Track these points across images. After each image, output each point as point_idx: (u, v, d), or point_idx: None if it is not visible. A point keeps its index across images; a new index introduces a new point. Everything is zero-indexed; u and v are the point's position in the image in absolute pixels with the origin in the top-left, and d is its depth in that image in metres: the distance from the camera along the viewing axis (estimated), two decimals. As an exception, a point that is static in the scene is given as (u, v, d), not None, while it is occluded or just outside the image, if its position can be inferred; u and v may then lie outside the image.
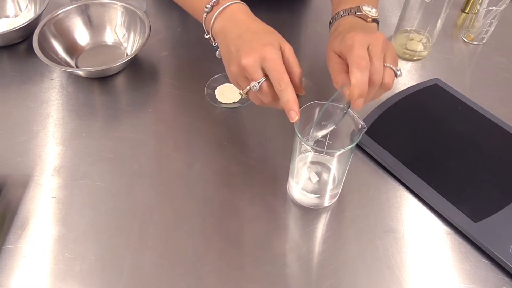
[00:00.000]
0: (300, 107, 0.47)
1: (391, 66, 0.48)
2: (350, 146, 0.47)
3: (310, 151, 0.55)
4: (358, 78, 0.45)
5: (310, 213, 0.56)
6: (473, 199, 0.55)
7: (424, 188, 0.56)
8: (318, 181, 0.56)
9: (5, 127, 0.64)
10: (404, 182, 0.58)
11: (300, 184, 0.56)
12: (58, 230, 0.53)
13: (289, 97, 0.46)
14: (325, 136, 0.52)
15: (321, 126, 0.50)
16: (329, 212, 0.56)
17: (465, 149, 0.61)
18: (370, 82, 0.46)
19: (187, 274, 0.50)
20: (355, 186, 0.58)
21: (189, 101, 0.68)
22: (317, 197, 0.55)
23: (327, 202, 0.56)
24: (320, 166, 0.57)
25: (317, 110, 0.50)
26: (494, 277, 0.50)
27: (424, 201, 0.57)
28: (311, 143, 0.50)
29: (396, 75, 0.48)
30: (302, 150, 0.53)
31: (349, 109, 0.48)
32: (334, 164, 0.56)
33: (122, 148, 0.62)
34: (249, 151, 0.62)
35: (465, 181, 0.57)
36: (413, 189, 0.57)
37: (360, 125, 0.47)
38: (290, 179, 0.56)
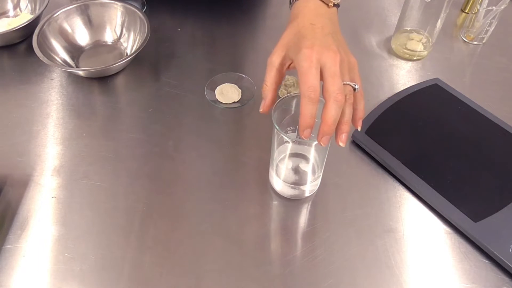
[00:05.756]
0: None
1: (349, 82, 0.46)
2: None
3: (288, 141, 0.55)
4: (307, 110, 0.44)
5: (310, 213, 0.56)
6: (473, 199, 0.55)
7: (424, 188, 0.56)
8: (298, 171, 0.56)
9: (5, 127, 0.64)
10: (404, 182, 0.58)
11: (280, 174, 0.56)
12: (58, 230, 0.54)
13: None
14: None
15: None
16: (329, 212, 0.56)
17: (465, 148, 0.61)
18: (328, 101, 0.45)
19: (187, 274, 0.50)
20: (355, 186, 0.58)
21: (189, 101, 0.68)
22: (298, 187, 0.55)
23: (308, 192, 0.56)
24: (299, 156, 0.57)
25: (294, 102, 0.51)
26: (494, 277, 0.50)
27: (424, 201, 0.57)
28: (293, 135, 0.51)
29: (354, 89, 0.47)
30: (279, 140, 0.54)
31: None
32: (312, 153, 0.56)
33: (122, 148, 0.62)
34: (249, 151, 0.62)
35: (465, 181, 0.57)
36: (413, 189, 0.57)
37: None
38: (270, 170, 0.56)
